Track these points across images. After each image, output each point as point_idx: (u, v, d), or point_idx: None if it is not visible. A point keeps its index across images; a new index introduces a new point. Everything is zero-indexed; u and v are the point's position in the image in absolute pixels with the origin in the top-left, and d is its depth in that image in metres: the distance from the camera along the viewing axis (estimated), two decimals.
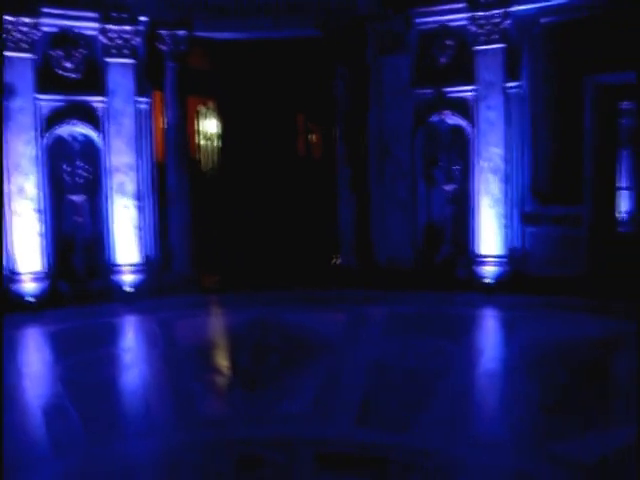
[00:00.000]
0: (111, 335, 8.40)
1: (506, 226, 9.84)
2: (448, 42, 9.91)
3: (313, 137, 13.57)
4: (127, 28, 9.96)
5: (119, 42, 9.98)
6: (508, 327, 8.52)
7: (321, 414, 5.35)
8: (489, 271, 9.90)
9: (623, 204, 10.20)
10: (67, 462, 4.59)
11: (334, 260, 11.18)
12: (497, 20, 9.48)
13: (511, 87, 9.64)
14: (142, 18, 10.09)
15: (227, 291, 10.38)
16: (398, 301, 9.43)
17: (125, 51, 10.05)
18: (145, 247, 10.36)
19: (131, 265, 10.19)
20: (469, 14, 9.60)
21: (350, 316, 9.01)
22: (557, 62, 9.48)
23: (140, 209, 10.28)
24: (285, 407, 5.52)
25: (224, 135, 12.85)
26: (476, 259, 10.03)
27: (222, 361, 7.49)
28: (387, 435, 4.91)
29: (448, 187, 10.33)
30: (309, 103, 12.67)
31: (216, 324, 9.25)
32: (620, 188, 9.92)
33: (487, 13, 9.48)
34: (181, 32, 10.33)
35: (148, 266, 10.33)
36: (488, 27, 9.55)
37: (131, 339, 8.62)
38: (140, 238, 10.28)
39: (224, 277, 11.01)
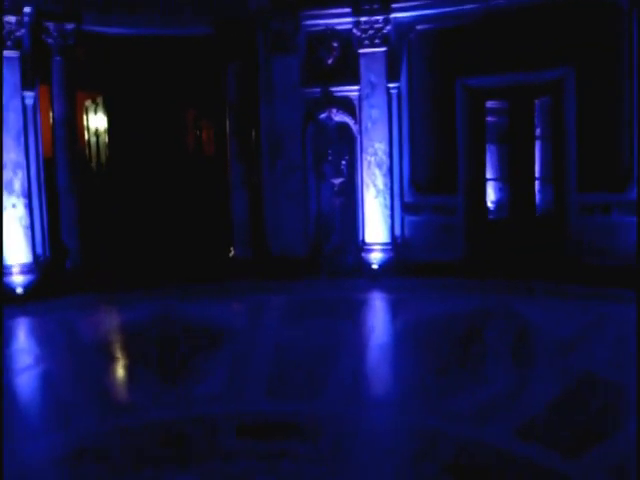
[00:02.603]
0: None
1: (390, 215, 10.64)
2: (335, 44, 10.55)
3: (205, 133, 13.76)
4: (11, 18, 9.64)
5: (1, 33, 9.65)
6: (395, 306, 9.29)
7: (234, 392, 5.75)
8: (376, 258, 10.66)
9: (492, 194, 11.34)
10: None
11: (230, 253, 11.49)
12: (379, 25, 10.22)
13: (392, 87, 10.43)
14: (26, 9, 9.82)
15: (124, 287, 10.39)
16: (293, 289, 9.93)
17: (9, 43, 9.74)
18: (35, 246, 10.13)
19: (21, 265, 9.93)
20: (354, 19, 10.26)
21: (249, 305, 9.40)
22: (432, 65, 10.40)
23: (28, 207, 10.04)
24: (199, 389, 5.84)
25: (113, 131, 12.72)
26: (363, 247, 10.76)
27: (128, 354, 7.62)
28: (295, 404, 5.41)
29: (337, 180, 10.99)
30: (200, 99, 12.86)
31: (117, 320, 9.28)
32: (489, 179, 11.01)
33: (370, 18, 10.19)
34: (69, 25, 10.18)
35: (37, 266, 10.11)
36: (371, 32, 10.27)
37: (29, 340, 8.49)
38: (29, 237, 10.04)
39: (120, 274, 10.99)
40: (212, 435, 4.93)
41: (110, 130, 12.72)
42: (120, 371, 6.72)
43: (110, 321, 9.06)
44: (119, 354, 7.45)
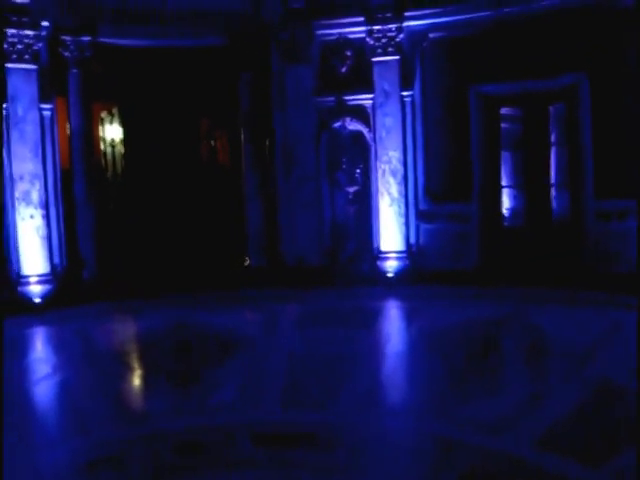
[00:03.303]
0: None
1: (405, 224, 10.62)
2: (348, 53, 10.59)
3: (219, 142, 13.84)
4: (29, 33, 9.84)
5: (20, 47, 9.84)
6: (410, 315, 9.26)
7: (249, 400, 5.75)
8: (391, 266, 10.64)
9: (507, 201, 11.27)
10: None
11: (245, 262, 11.53)
12: (392, 34, 10.26)
13: (406, 95, 10.45)
14: (44, 23, 9.99)
15: (140, 297, 10.46)
16: (308, 297, 9.93)
17: (26, 56, 9.92)
18: (53, 256, 10.24)
19: (38, 275, 10.04)
20: (367, 27, 10.31)
21: (264, 314, 9.41)
22: (446, 73, 10.41)
23: (46, 218, 10.15)
24: (215, 398, 5.85)
25: (128, 141, 12.84)
26: (378, 255, 10.75)
27: (144, 363, 7.66)
28: (311, 414, 5.39)
29: (351, 189, 11.01)
30: (215, 109, 12.95)
31: (132, 329, 9.35)
32: (504, 187, 10.96)
33: (383, 27, 10.24)
34: (85, 38, 10.34)
35: (54, 276, 10.21)
36: (384, 40, 10.30)
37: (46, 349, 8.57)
38: (47, 248, 10.15)
39: (136, 283, 11.07)
40: (228, 444, 4.94)
41: (125, 141, 12.84)
42: (136, 380, 6.76)
43: (126, 330, 9.12)
44: (135, 363, 7.49)
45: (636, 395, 5.07)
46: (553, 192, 10.60)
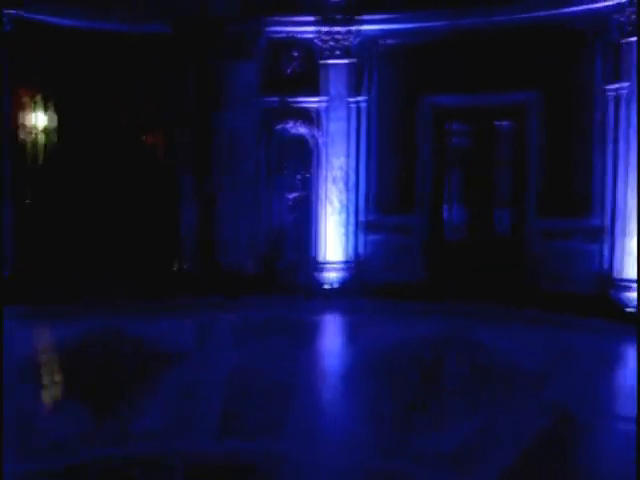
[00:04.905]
0: None
1: (347, 234, 10.26)
2: (296, 53, 10.15)
3: (157, 139, 13.04)
4: None
5: None
6: (352, 330, 8.89)
7: (181, 426, 5.17)
8: (331, 277, 10.26)
9: (451, 216, 11.08)
10: None
11: (173, 267, 10.86)
12: (342, 37, 9.89)
13: (356, 101, 10.11)
14: None
15: (62, 300, 9.59)
16: (243, 307, 9.41)
17: None
18: None
19: None
20: (317, 28, 9.92)
21: (197, 324, 8.81)
22: (397, 81, 10.13)
23: None
24: (141, 423, 5.21)
25: (58, 131, 11.86)
26: (319, 265, 10.34)
27: (60, 379, 6.89)
28: (250, 442, 4.86)
29: (291, 195, 10.56)
30: (155, 103, 12.17)
31: (50, 337, 8.52)
32: (449, 201, 10.77)
33: (334, 29, 9.87)
34: (8, 10, 9.38)
35: None
36: (333, 43, 9.93)
37: None
38: None
39: (59, 285, 10.18)
40: (158, 477, 4.35)
41: (55, 130, 11.86)
42: (47, 399, 5.99)
43: (40, 339, 8.29)
44: (47, 379, 6.70)
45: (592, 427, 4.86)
46: (497, 209, 10.49)
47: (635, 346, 6.83)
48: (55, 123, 11.65)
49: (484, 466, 4.40)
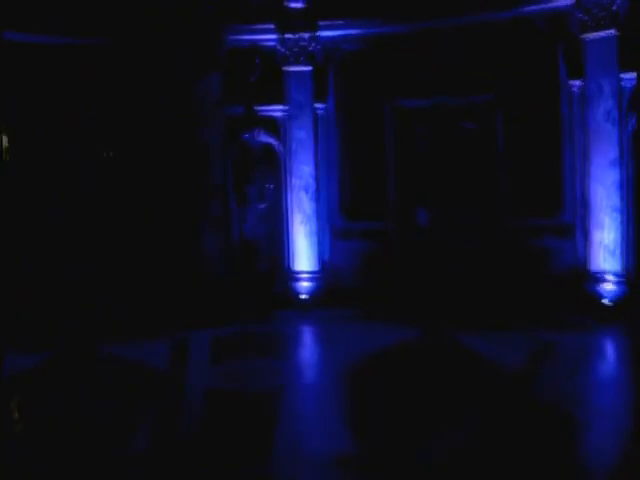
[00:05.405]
0: None
1: (318, 242, 10.11)
2: (258, 61, 9.98)
3: (116, 151, 12.70)
4: None
5: None
6: (326, 342, 8.71)
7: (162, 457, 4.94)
8: (305, 286, 10.09)
9: (420, 218, 11.00)
10: None
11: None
12: (304, 43, 9.77)
13: (319, 108, 9.99)
14: None
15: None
16: (215, 320, 9.16)
17: None
18: None
19: None
20: (278, 35, 9.77)
21: (169, 340, 8.52)
22: (361, 86, 10.03)
23: None
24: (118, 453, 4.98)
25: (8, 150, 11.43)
26: (292, 275, 10.17)
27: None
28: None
29: (261, 205, 10.38)
30: (115, 117, 11.83)
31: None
32: (418, 204, 10.68)
33: (295, 36, 9.73)
34: None
35: None
36: (295, 49, 9.80)
37: None
38: None
39: None
40: None
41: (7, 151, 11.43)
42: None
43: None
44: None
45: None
46: (466, 211, 10.42)
47: (616, 339, 6.84)
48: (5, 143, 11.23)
49: None
